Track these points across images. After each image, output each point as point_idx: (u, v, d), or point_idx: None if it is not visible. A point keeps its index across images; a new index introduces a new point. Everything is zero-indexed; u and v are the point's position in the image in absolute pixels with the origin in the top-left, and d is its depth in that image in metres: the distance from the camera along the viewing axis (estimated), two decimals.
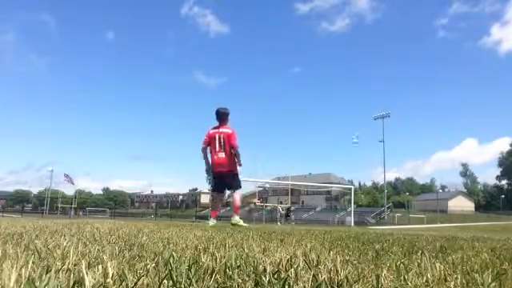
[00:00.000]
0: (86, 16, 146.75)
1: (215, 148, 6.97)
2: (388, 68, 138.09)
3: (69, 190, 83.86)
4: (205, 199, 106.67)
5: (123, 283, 0.82)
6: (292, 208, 36.60)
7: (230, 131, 7.00)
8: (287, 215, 32.27)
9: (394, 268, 1.19)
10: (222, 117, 7.10)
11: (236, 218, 6.83)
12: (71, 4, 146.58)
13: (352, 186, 45.46)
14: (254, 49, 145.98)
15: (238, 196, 7.23)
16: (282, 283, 0.85)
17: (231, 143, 6.93)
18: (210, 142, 7.08)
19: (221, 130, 7.01)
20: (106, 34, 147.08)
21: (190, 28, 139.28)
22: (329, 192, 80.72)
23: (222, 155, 6.93)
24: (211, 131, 7.10)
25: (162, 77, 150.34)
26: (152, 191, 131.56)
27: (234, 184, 7.15)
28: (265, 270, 1.00)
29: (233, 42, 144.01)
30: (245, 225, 6.71)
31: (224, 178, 7.10)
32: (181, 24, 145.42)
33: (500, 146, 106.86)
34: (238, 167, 7.11)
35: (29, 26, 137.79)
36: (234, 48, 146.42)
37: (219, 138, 6.96)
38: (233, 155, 6.98)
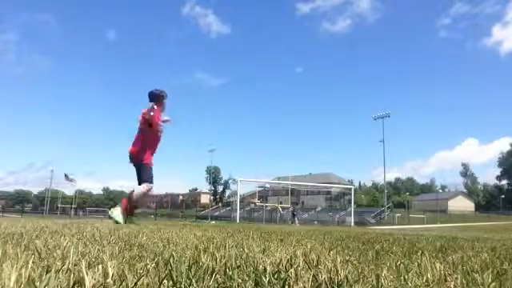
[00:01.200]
0: (86, 15, 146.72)
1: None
2: (388, 68, 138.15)
3: (69, 190, 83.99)
4: (205, 199, 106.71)
5: (123, 283, 0.82)
6: (292, 208, 36.50)
7: (144, 109, 5.76)
8: (293, 215, 32.39)
9: (394, 268, 1.19)
10: (151, 99, 5.91)
11: (114, 212, 5.61)
12: (72, 3, 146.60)
13: (352, 186, 45.50)
14: (255, 49, 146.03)
15: (137, 191, 5.75)
16: (281, 283, 0.85)
17: (143, 117, 5.72)
18: None
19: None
20: (107, 33, 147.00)
21: (191, 28, 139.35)
22: (329, 192, 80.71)
23: (133, 140, 5.89)
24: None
25: (162, 76, 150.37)
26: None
27: (141, 176, 5.82)
28: (265, 269, 1.00)
29: (234, 41, 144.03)
30: (120, 221, 5.50)
31: (136, 168, 5.90)
32: (182, 24, 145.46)
33: (501, 146, 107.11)
34: (164, 124, 5.90)
35: (29, 26, 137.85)
36: (236, 48, 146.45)
37: (138, 122, 5.90)
38: (141, 140, 5.82)
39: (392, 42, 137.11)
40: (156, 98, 5.94)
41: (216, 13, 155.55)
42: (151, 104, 5.81)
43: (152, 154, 5.98)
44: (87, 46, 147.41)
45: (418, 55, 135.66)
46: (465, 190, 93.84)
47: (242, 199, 64.00)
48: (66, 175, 58.26)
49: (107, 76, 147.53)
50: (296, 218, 31.68)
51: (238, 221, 37.73)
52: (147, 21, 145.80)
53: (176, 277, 0.88)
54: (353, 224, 40.29)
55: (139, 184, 5.83)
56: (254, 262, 1.19)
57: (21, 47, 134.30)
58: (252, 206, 67.87)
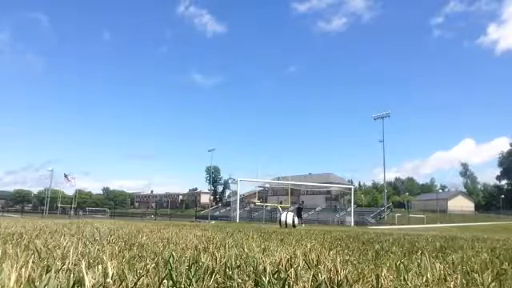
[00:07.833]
0: (82, 15, 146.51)
1: None
2: (388, 68, 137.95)
3: (69, 190, 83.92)
4: (205, 199, 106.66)
5: (123, 283, 0.82)
6: (300, 206, 34.81)
7: None
8: (299, 215, 31.10)
9: (394, 268, 1.19)
10: None
11: None
12: (68, 3, 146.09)
13: (352, 186, 45.43)
14: (251, 48, 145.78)
15: None
16: (281, 283, 0.85)
17: None
18: None
19: None
20: (103, 33, 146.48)
21: (187, 28, 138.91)
22: (329, 192, 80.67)
23: None
24: None
25: (161, 76, 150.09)
26: (152, 191, 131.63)
27: None
28: (265, 269, 1.00)
29: (229, 41, 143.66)
30: None
31: None
32: (177, 24, 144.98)
33: (497, 145, 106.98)
34: None
35: (26, 26, 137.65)
36: (231, 48, 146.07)
37: None
38: None
39: (391, 41, 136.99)
40: None
41: (211, 12, 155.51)
42: None
43: None
44: (84, 45, 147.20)
45: (417, 54, 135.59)
46: (464, 190, 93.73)
47: (242, 199, 63.97)
48: (65, 175, 58.32)
49: (105, 75, 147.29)
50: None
51: (237, 221, 37.72)
52: (142, 21, 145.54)
53: (176, 277, 0.88)
54: (353, 224, 40.27)
55: None
56: (253, 261, 1.19)
57: (19, 46, 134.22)
58: (252, 205, 67.80)
